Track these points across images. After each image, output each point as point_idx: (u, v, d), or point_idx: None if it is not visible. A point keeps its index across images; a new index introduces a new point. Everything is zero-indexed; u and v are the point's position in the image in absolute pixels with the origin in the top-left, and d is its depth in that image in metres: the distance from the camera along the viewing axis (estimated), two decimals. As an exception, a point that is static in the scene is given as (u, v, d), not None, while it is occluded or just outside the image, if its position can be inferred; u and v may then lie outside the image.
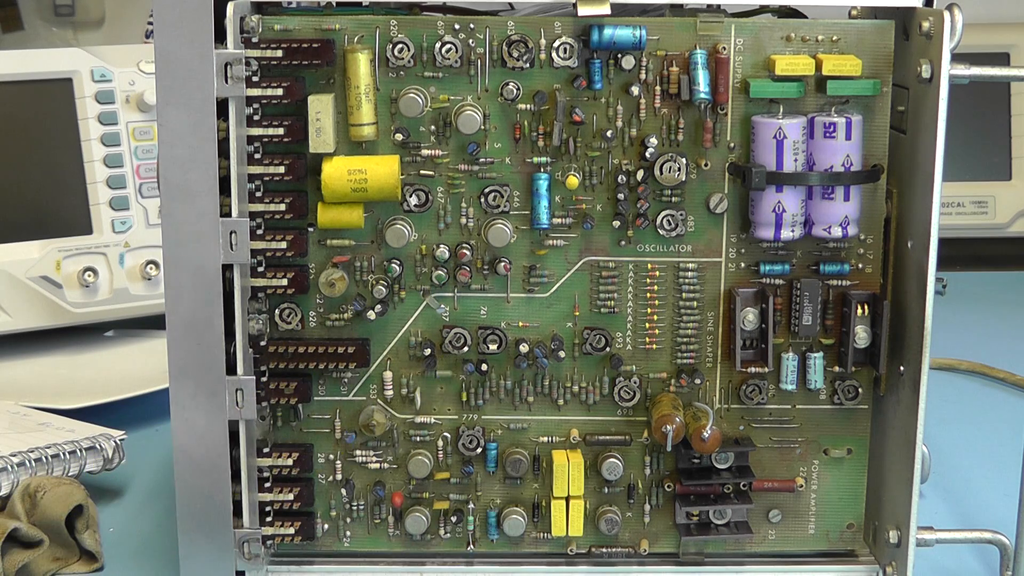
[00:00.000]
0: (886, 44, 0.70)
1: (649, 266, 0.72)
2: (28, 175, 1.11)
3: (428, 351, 0.72)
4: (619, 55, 0.69)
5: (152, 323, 1.14)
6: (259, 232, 0.69)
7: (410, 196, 0.70)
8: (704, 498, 0.73)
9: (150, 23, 1.19)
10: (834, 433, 0.74)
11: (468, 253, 0.71)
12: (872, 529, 0.74)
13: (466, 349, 0.71)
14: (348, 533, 0.74)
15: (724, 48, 0.69)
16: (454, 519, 0.74)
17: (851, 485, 0.75)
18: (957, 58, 0.66)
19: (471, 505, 0.74)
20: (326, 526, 0.74)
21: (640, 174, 0.70)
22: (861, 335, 0.71)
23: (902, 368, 0.70)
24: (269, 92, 0.67)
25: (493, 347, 0.71)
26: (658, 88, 0.70)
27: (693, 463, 0.73)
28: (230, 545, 0.71)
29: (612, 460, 0.73)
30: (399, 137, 0.69)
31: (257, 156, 0.68)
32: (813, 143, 0.69)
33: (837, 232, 0.70)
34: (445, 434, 0.73)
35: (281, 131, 0.68)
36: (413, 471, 0.73)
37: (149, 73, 1.12)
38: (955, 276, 1.32)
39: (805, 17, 0.72)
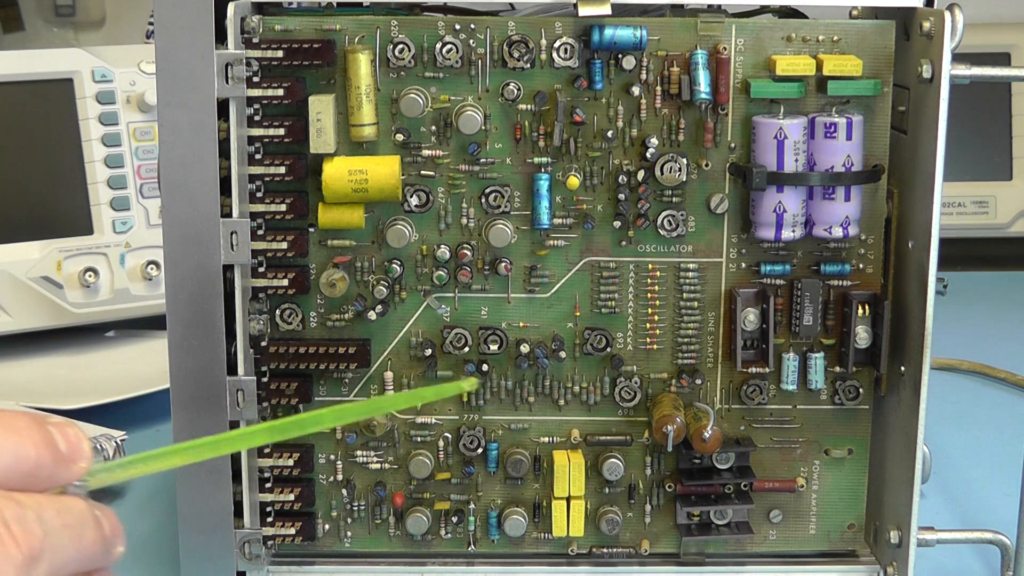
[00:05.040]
0: (887, 44, 0.70)
1: (650, 266, 0.72)
2: (29, 175, 1.11)
3: (429, 351, 0.72)
4: (620, 55, 0.69)
5: (153, 323, 1.14)
6: (260, 232, 0.69)
7: (411, 196, 0.70)
8: (705, 498, 0.73)
9: (151, 23, 1.19)
10: (835, 433, 0.74)
11: (469, 253, 0.71)
12: (873, 529, 0.74)
13: (467, 349, 0.71)
14: (349, 533, 0.74)
15: (725, 48, 0.69)
16: (455, 519, 0.74)
17: (852, 485, 0.75)
18: (958, 58, 0.66)
19: (472, 505, 0.74)
20: (327, 526, 0.74)
21: (641, 174, 0.70)
22: (862, 335, 0.71)
23: (903, 368, 0.70)
24: (270, 92, 0.67)
25: (494, 347, 0.71)
26: (659, 88, 0.70)
27: (694, 463, 0.73)
28: (231, 545, 0.71)
29: (613, 460, 0.73)
30: (400, 137, 0.69)
31: (258, 156, 0.68)
32: (814, 143, 0.69)
33: (838, 232, 0.70)
34: (446, 434, 0.73)
35: (282, 131, 0.68)
36: (414, 471, 0.73)
37: (150, 73, 1.12)
38: (956, 276, 1.31)
39: (806, 17, 0.72)
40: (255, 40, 0.67)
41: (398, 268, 0.71)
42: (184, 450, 0.49)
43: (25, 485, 0.44)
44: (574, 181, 0.70)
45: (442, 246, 0.71)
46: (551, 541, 0.74)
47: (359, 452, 0.73)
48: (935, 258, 0.66)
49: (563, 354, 0.72)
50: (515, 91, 0.69)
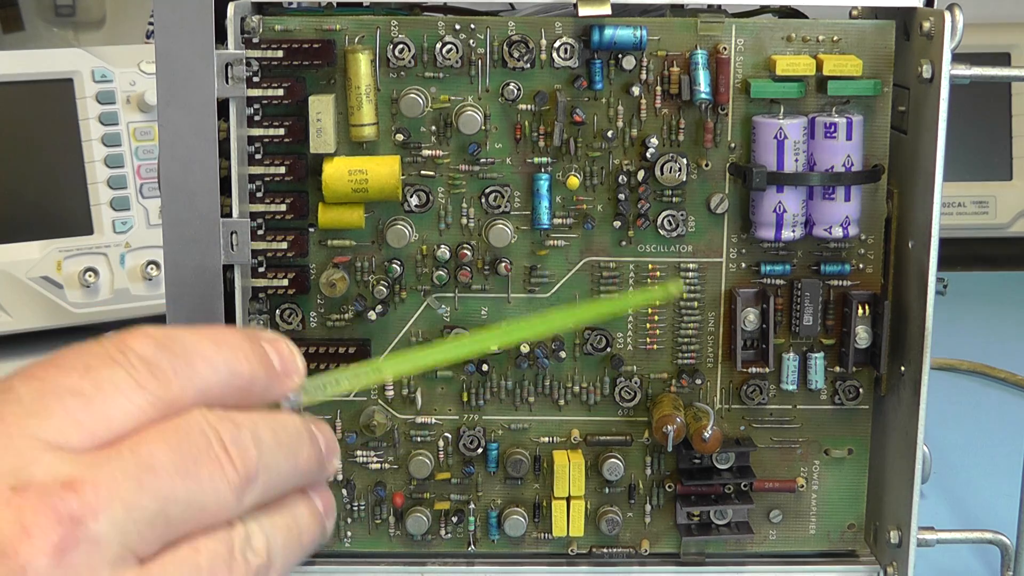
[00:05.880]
0: (887, 44, 0.70)
1: (650, 266, 0.72)
2: (29, 175, 1.11)
3: (429, 351, 0.72)
4: (620, 55, 0.69)
5: (152, 323, 1.14)
6: (260, 232, 0.69)
7: (411, 196, 0.70)
8: (705, 498, 0.73)
9: (151, 23, 1.19)
10: (835, 433, 0.74)
11: (469, 253, 0.71)
12: (873, 529, 0.74)
13: (467, 349, 0.71)
14: (349, 533, 0.74)
15: (725, 48, 0.69)
16: (455, 519, 0.74)
17: (852, 485, 0.75)
18: (958, 58, 0.66)
19: (472, 505, 0.74)
20: (327, 526, 0.74)
21: (641, 174, 0.70)
22: (862, 335, 0.71)
23: (903, 368, 0.70)
24: (270, 92, 0.67)
25: (494, 347, 0.71)
26: (659, 88, 0.70)
27: (694, 463, 0.73)
28: (231, 545, 0.71)
29: (613, 460, 0.73)
30: (400, 137, 0.69)
31: (258, 156, 0.68)
32: (814, 143, 0.69)
33: (838, 232, 0.70)
34: (446, 434, 0.73)
35: (282, 131, 0.68)
36: (414, 471, 0.73)
37: (150, 73, 1.12)
38: (956, 276, 1.31)
39: (806, 17, 0.72)
40: (255, 40, 0.67)
41: (398, 268, 0.71)
42: (396, 361, 0.48)
43: (239, 400, 0.44)
44: (574, 181, 0.70)
45: (442, 246, 0.71)
46: (551, 541, 0.74)
47: (359, 452, 0.73)
48: (935, 258, 0.66)
49: (563, 354, 0.72)
50: (515, 91, 0.69)
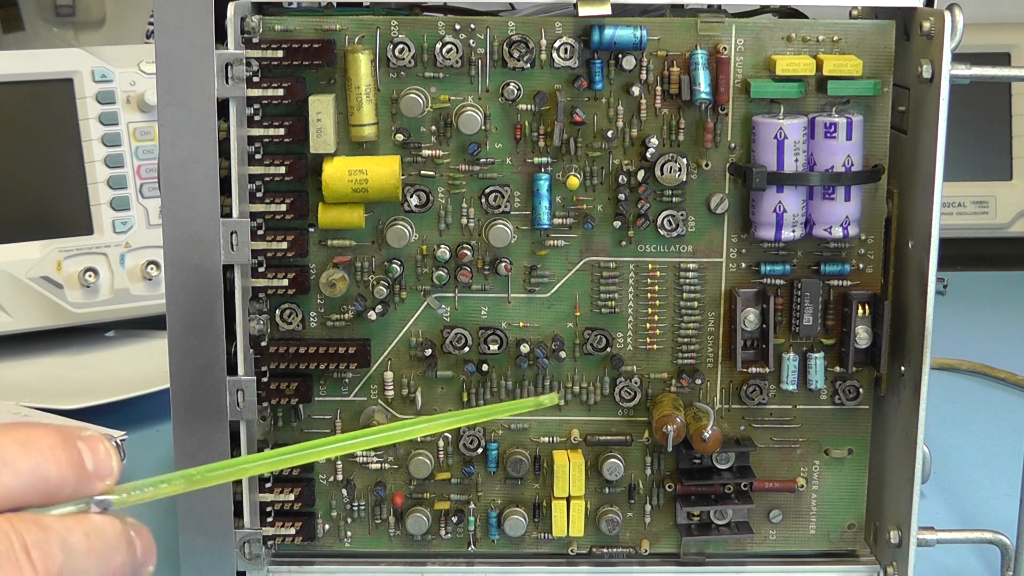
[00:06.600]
0: (887, 44, 0.70)
1: (650, 266, 0.72)
2: (29, 175, 1.11)
3: (429, 351, 0.72)
4: (620, 55, 0.69)
5: (153, 323, 1.14)
6: (260, 232, 0.69)
7: (411, 196, 0.70)
8: (705, 498, 0.73)
9: (151, 23, 1.19)
10: (835, 433, 0.74)
11: (469, 253, 0.71)
12: (873, 529, 0.74)
13: (467, 349, 0.71)
14: (349, 533, 0.74)
15: (725, 48, 0.69)
16: (455, 519, 0.74)
17: (852, 485, 0.75)
18: (958, 58, 0.66)
19: (472, 505, 0.74)
20: (327, 526, 0.74)
21: (641, 174, 0.70)
22: (862, 335, 0.71)
23: (903, 368, 0.70)
24: (270, 92, 0.67)
25: (494, 347, 0.71)
26: (659, 88, 0.70)
27: (694, 463, 0.73)
28: (231, 545, 0.71)
29: (613, 460, 0.73)
30: (400, 137, 0.69)
31: (258, 156, 0.68)
32: (814, 143, 0.69)
33: (838, 232, 0.70)
34: (446, 434, 0.73)
35: (282, 131, 0.68)
36: (414, 471, 0.73)
37: (150, 73, 1.12)
38: (956, 276, 1.31)
39: (806, 17, 0.72)
40: (255, 40, 0.67)
41: (398, 268, 0.71)
42: (217, 470, 0.48)
43: (46, 501, 0.43)
44: (574, 181, 0.70)
45: (442, 246, 0.71)
46: (551, 541, 0.74)
47: (359, 452, 0.73)
48: (935, 258, 0.67)
49: (563, 354, 0.72)
50: (515, 91, 0.69)
